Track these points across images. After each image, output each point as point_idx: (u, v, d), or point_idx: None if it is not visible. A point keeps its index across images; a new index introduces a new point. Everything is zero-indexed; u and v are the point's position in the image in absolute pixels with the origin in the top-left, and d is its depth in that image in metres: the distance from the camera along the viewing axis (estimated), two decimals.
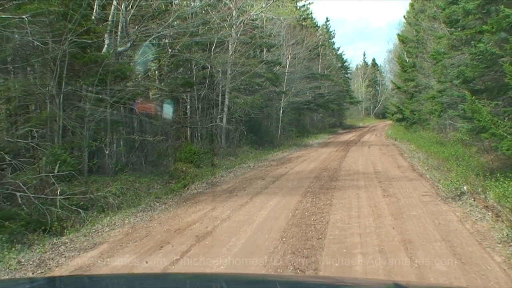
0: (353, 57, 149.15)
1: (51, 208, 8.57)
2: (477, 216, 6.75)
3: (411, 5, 32.32)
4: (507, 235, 5.60)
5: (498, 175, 8.01)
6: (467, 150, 13.95)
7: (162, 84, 16.88)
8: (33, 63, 11.96)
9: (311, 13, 36.31)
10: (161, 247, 5.97)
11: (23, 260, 5.76)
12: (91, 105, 11.85)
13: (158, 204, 9.19)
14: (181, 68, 18.85)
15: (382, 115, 56.56)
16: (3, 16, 8.60)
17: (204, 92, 19.59)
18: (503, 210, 6.51)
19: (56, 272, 5.29)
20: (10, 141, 9.70)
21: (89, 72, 12.42)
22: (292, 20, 26.51)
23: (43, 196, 8.94)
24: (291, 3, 25.87)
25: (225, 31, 20.17)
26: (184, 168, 14.65)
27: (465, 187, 8.23)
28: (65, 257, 5.90)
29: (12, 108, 10.29)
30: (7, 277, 5.23)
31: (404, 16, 35.79)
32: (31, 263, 5.67)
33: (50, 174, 9.44)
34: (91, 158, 11.66)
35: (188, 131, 19.41)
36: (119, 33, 13.26)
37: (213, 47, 19.65)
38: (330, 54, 44.86)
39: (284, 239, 5.97)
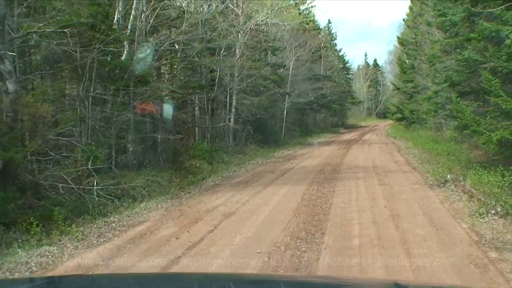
0: (355, 57, 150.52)
1: (90, 196, 10.03)
2: (455, 198, 8.25)
3: (410, 8, 33.79)
4: (476, 210, 7.09)
5: (477, 166, 9.48)
6: (459, 147, 15.38)
7: (174, 86, 18.36)
8: (63, 69, 13.42)
9: (314, 16, 37.70)
10: (196, 222, 7.46)
11: (85, 232, 7.25)
12: (117, 107, 13.34)
13: (182, 193, 10.68)
14: (190, 71, 20.33)
15: (383, 115, 57.97)
16: (37, 27, 10.10)
17: (213, 94, 21.06)
18: (476, 193, 8.01)
19: (116, 241, 6.77)
20: (53, 138, 11.20)
21: (114, 77, 13.93)
22: (295, 24, 27.94)
23: (81, 187, 10.40)
24: (294, 9, 27.29)
25: (232, 36, 21.61)
26: (198, 165, 16.13)
27: (448, 176, 9.75)
28: (118, 231, 7.38)
29: (53, 109, 11.79)
30: (77, 245, 6.70)
31: (403, 19, 37.27)
32: (92, 234, 7.16)
33: (86, 168, 10.91)
34: (118, 155, 13.15)
35: (197, 131, 20.85)
36: (134, 40, 14.75)
37: (222, 52, 21.07)
38: (332, 55, 46.34)
39: (296, 215, 7.48)
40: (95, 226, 7.67)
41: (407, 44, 30.79)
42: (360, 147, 22.37)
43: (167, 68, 19.31)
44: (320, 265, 5.06)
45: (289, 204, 8.42)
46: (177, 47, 18.56)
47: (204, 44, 18.65)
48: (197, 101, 21.12)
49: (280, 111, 29.82)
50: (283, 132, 29.62)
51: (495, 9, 9.45)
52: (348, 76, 52.77)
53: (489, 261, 4.99)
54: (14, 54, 10.27)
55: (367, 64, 69.05)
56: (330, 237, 6.21)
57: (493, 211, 6.80)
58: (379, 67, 68.62)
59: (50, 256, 5.98)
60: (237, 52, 22.55)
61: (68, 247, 6.44)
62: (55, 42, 11.56)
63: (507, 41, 9.12)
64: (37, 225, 7.13)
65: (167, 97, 18.21)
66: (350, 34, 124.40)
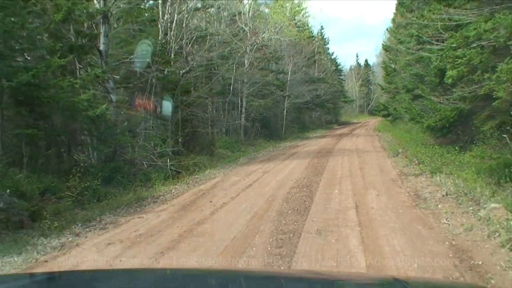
0: (347, 57, 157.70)
1: (165, 169, 16.04)
2: (399, 160, 14.46)
3: (393, 20, 39.89)
4: (405, 164, 13.28)
5: (417, 144, 15.67)
6: (422, 135, 21.54)
7: (201, 92, 24.42)
8: (134, 83, 19.43)
9: (308, 24, 43.74)
10: (249, 175, 13.54)
11: (188, 182, 13.26)
12: (172, 110, 19.40)
13: (227, 166, 16.72)
14: (211, 80, 26.41)
15: (374, 112, 64.24)
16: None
17: (229, 97, 27.23)
18: (410, 157, 14.20)
19: (209, 184, 12.77)
20: (138, 130, 17.25)
21: (166, 87, 20.02)
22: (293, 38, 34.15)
23: (159, 163, 16.42)
24: (294, 28, 33.47)
25: (242, 50, 27.74)
26: (224, 152, 22.21)
27: (400, 150, 15.98)
28: (200, 184, 13.31)
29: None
30: (188, 186, 12.67)
31: (387, 29, 43.40)
32: (192, 183, 13.15)
33: (159, 151, 16.92)
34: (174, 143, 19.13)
35: (210, 128, 26.90)
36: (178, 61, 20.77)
37: (234, 63, 27.17)
38: (325, 58, 52.59)
39: (305, 171, 13.60)
40: (189, 179, 13.67)
41: (390, 50, 36.87)
42: (349, 139, 28.62)
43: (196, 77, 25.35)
44: (321, 184, 11.16)
45: (301, 167, 14.58)
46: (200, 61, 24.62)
47: (223, 61, 24.86)
48: (211, 103, 27.22)
49: (281, 110, 35.93)
50: (284, 128, 35.72)
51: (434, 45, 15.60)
52: (340, 77, 59.15)
53: (400, 181, 11.13)
54: (117, 77, 16.41)
55: (358, 64, 75.73)
56: (326, 175, 12.39)
57: (413, 163, 12.99)
58: (370, 67, 75.10)
59: (179, 189, 12.00)
60: (246, 63, 28.74)
61: (186, 185, 12.55)
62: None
63: (434, 63, 15.29)
64: (143, 183, 13.06)
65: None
66: (344, 32, 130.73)
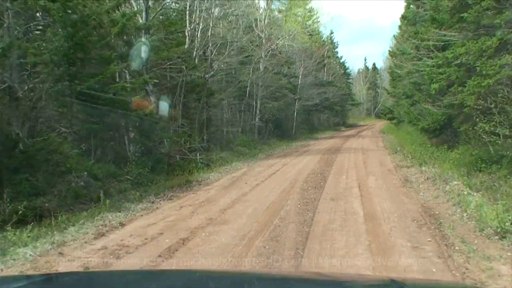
0: (355, 60, 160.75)
1: (196, 162, 19.02)
2: (397, 157, 17.41)
3: (400, 27, 42.79)
4: (401, 159, 16.25)
5: (414, 143, 18.59)
6: (419, 136, 24.46)
7: (222, 95, 27.41)
8: (164, 86, 22.36)
9: (319, 31, 46.70)
10: (270, 167, 16.52)
11: (220, 172, 16.23)
12: (199, 110, 22.37)
13: (248, 160, 19.68)
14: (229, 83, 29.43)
15: (381, 115, 67.17)
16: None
17: (246, 99, 30.24)
18: (407, 154, 17.16)
19: (238, 172, 15.73)
20: (175, 129, 20.26)
21: (193, 90, 23.03)
22: (305, 44, 37.15)
23: (190, 156, 19.41)
24: (305, 35, 36.47)
25: (258, 56, 30.73)
26: (242, 149, 25.19)
27: (398, 148, 18.94)
28: (231, 172, 16.28)
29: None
30: (221, 174, 15.65)
31: (394, 35, 46.24)
32: (224, 172, 16.11)
33: (190, 146, 19.89)
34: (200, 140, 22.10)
35: (229, 127, 29.86)
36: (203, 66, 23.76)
37: (251, 68, 30.16)
38: (334, 62, 55.53)
39: (318, 164, 16.57)
40: (220, 170, 16.65)
41: (395, 56, 39.76)
42: (356, 139, 31.61)
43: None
44: (331, 172, 14.12)
45: (314, 161, 17.57)
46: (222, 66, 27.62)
47: (241, 66, 27.90)
48: (226, 105, 30.23)
49: (291, 112, 38.86)
50: (294, 129, 38.66)
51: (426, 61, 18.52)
52: (348, 81, 62.10)
53: (395, 170, 14.09)
54: (157, 81, 19.42)
55: (366, 68, 78.72)
56: (335, 166, 15.37)
57: (408, 159, 15.96)
58: (378, 71, 77.99)
59: (215, 176, 14.97)
60: (261, 68, 31.71)
61: (219, 173, 15.52)
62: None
63: (426, 76, 18.19)
64: (181, 171, 16.01)
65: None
66: (353, 34, 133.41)
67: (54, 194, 10.95)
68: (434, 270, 5.20)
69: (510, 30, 10.52)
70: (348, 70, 62.41)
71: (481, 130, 10.48)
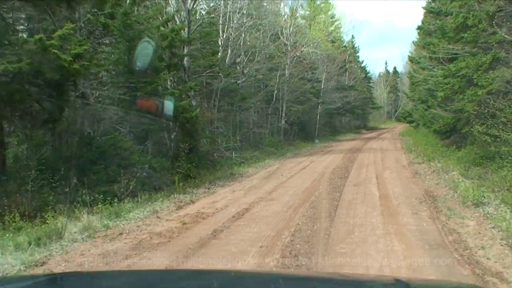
0: (376, 63, 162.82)
1: (232, 159, 21.78)
2: (411, 155, 19.98)
3: (419, 28, 45.11)
4: (415, 157, 18.82)
5: (428, 144, 21.12)
6: (433, 137, 26.93)
7: (253, 99, 30.13)
8: (201, 91, 25.16)
9: (341, 37, 49.26)
10: (300, 163, 19.21)
11: (256, 167, 18.95)
12: (233, 114, 25.16)
13: (279, 158, 22.38)
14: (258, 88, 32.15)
15: (401, 119, 69.42)
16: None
17: (273, 103, 32.96)
18: (420, 153, 19.71)
19: (273, 167, 18.43)
20: (211, 130, 23.05)
21: (227, 95, 25.81)
22: (328, 50, 39.79)
23: (227, 155, 22.19)
24: (328, 42, 39.10)
25: (284, 62, 33.43)
26: (270, 149, 27.90)
27: (413, 148, 21.49)
28: (266, 167, 18.99)
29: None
30: (258, 169, 18.36)
31: (413, 42, 48.57)
32: (259, 167, 18.83)
33: (226, 146, 22.69)
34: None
35: (259, 129, 32.56)
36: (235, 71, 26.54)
37: (278, 73, 32.87)
38: (355, 66, 57.96)
39: (341, 161, 19.21)
40: (256, 165, 19.36)
41: (414, 61, 42.15)
42: (376, 141, 34.14)
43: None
44: (353, 167, 16.76)
45: (338, 158, 20.22)
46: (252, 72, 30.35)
47: (269, 72, 30.63)
48: (257, 108, 32.98)
49: (314, 115, 41.49)
50: (317, 131, 41.27)
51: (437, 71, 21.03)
52: (369, 85, 64.48)
53: (408, 166, 16.69)
54: (196, 88, 22.17)
55: (387, 71, 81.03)
56: (357, 163, 18.01)
57: (420, 157, 18.52)
58: (399, 74, 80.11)
59: (253, 170, 17.69)
60: (286, 73, 34.41)
61: (256, 168, 18.24)
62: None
63: (434, 80, 20.69)
64: (221, 167, 18.75)
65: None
66: (374, 36, 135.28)
67: (124, 182, 13.77)
68: (424, 224, 7.83)
69: (501, 49, 13.06)
70: (369, 74, 64.85)
71: (475, 131, 13.01)
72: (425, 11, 27.79)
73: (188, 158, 17.95)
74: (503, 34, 12.89)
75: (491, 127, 12.49)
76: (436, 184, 11.95)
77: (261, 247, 6.66)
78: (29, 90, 11.47)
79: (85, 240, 7.52)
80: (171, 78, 20.29)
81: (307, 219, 8.42)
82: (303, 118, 36.69)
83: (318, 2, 41.33)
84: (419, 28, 27.69)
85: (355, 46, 60.13)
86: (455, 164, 14.35)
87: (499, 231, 6.98)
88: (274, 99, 33.03)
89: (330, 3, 43.06)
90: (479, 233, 7.07)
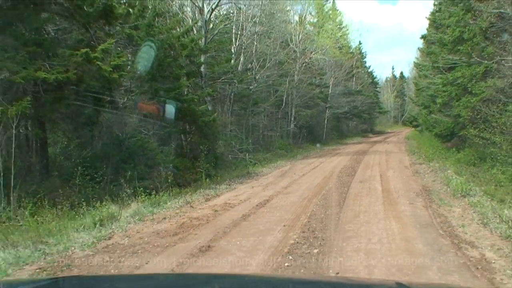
0: (383, 68, 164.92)
1: (246, 160, 23.45)
2: (413, 157, 21.62)
3: (423, 36, 46.76)
4: (417, 159, 20.45)
5: (428, 147, 22.73)
6: (436, 141, 28.52)
7: (264, 103, 31.82)
8: (215, 98, 26.86)
9: (348, 44, 50.94)
10: (310, 164, 20.86)
11: (270, 167, 20.60)
12: (246, 118, 26.85)
13: (290, 160, 24.03)
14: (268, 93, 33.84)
15: (407, 123, 70.97)
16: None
17: (282, 107, 34.65)
18: (422, 155, 21.33)
19: (285, 167, 20.08)
20: (225, 133, 24.72)
21: (240, 100, 27.52)
22: (336, 57, 41.49)
23: (241, 156, 23.85)
24: (336, 49, 40.79)
25: (293, 68, 35.11)
26: (280, 152, 29.56)
27: (416, 151, 23.11)
28: (279, 168, 20.61)
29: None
30: (272, 169, 20.02)
31: (418, 48, 50.18)
32: (272, 168, 20.49)
33: (239, 147, 24.36)
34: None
35: (270, 132, 34.23)
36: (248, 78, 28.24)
37: (288, 79, 34.55)
38: (362, 72, 59.61)
39: (348, 162, 20.85)
40: (269, 166, 21.00)
41: (419, 69, 43.72)
42: (382, 145, 35.77)
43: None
44: (360, 167, 18.40)
45: (345, 159, 21.87)
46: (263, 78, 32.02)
47: (279, 78, 32.33)
48: (267, 112, 34.66)
49: (322, 119, 43.16)
50: (324, 135, 42.93)
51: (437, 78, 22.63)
52: (376, 90, 66.13)
53: (410, 166, 18.31)
54: (213, 94, 23.85)
55: (394, 76, 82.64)
56: (363, 164, 19.65)
57: (421, 158, 20.14)
58: (405, 79, 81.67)
59: (267, 170, 19.35)
60: (296, 79, 36.10)
61: (269, 168, 19.91)
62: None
63: (439, 86, 22.31)
64: (235, 167, 20.41)
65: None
66: (381, 40, 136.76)
67: (152, 179, 15.45)
68: (418, 211, 9.46)
69: (492, 61, 14.68)
70: (375, 79, 66.49)
71: (469, 134, 14.64)
72: (429, 21, 29.52)
73: (207, 158, 19.59)
74: (494, 48, 14.53)
75: (483, 131, 14.11)
76: (433, 181, 13.59)
77: (284, 225, 8.32)
78: (71, 97, 13.14)
79: (137, 222, 9.21)
80: (189, 85, 21.90)
81: (320, 207, 10.08)
82: (311, 122, 38.39)
83: (326, 10, 43.09)
84: (423, 37, 29.33)
85: (362, 51, 61.79)
86: (451, 164, 15.98)
87: (478, 214, 8.62)
88: (283, 104, 34.67)
89: (338, 11, 44.88)
90: (462, 216, 8.72)
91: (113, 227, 8.69)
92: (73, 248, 7.26)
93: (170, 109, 16.75)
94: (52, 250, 7.09)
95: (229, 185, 14.95)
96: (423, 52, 41.03)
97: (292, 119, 36.20)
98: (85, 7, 13.05)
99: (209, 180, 15.74)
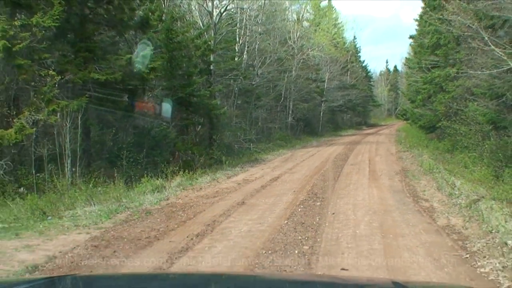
0: (377, 62, 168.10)
1: (250, 150, 26.67)
2: (400, 146, 24.92)
3: (411, 36, 49.98)
4: (402, 148, 23.75)
5: (414, 137, 26.02)
6: (422, 133, 31.80)
7: (266, 97, 34.98)
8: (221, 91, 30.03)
9: (343, 40, 54.15)
10: (308, 152, 24.10)
11: (273, 154, 23.82)
12: (249, 110, 30.03)
13: (290, 149, 27.23)
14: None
15: (399, 116, 74.34)
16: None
17: (281, 101, 37.88)
18: (408, 145, 24.63)
19: (287, 155, 23.29)
20: (231, 125, 27.91)
21: (244, 95, 30.69)
22: (332, 53, 44.74)
23: (246, 146, 27.09)
24: (332, 46, 44.02)
25: (291, 64, 38.28)
26: (280, 143, 32.80)
27: (403, 141, 26.41)
28: (281, 155, 23.82)
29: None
30: (274, 156, 23.23)
31: (410, 44, 53.45)
32: (271, 156, 23.71)
33: (243, 138, 27.59)
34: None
35: (271, 124, 37.44)
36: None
37: (286, 74, 37.73)
38: (357, 66, 62.83)
39: (342, 150, 24.12)
40: (272, 154, 24.20)
41: (408, 65, 46.95)
42: (374, 136, 39.16)
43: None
44: (352, 154, 21.66)
45: (339, 149, 25.15)
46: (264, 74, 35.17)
47: (278, 74, 35.51)
48: (266, 106, 37.85)
49: (318, 112, 46.39)
50: (320, 127, 46.18)
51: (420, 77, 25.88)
52: (370, 83, 69.47)
53: (395, 153, 21.59)
54: (223, 90, 26.97)
55: (388, 70, 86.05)
56: (355, 152, 22.96)
57: (406, 147, 23.44)
58: (399, 73, 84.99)
59: (271, 157, 22.57)
60: (293, 74, 39.28)
61: (273, 156, 23.13)
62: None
63: (419, 84, 25.60)
64: (243, 155, 23.61)
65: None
66: (377, 33, 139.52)
67: (174, 164, 18.56)
68: (394, 183, 12.71)
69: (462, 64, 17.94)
70: (370, 73, 69.83)
71: (442, 125, 17.91)
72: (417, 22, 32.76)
73: (219, 147, 22.73)
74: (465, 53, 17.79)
75: (454, 123, 17.40)
76: (411, 164, 16.91)
77: (294, 191, 11.58)
78: (114, 94, 16.23)
79: (181, 191, 12.44)
80: (201, 82, 24.88)
81: (319, 181, 13.36)
82: (308, 115, 41.69)
83: (321, 7, 46.29)
84: (411, 37, 32.56)
85: (357, 46, 65.04)
86: (429, 151, 19.27)
87: (436, 183, 11.93)
88: (282, 98, 37.85)
89: (333, 8, 48.18)
90: (425, 185, 12.02)
91: (165, 193, 11.89)
92: (145, 204, 10.46)
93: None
94: (131, 205, 10.29)
95: (242, 167, 18.16)
96: (414, 48, 44.34)
97: (290, 112, 39.35)
98: (125, 19, 16.15)
99: (225, 165, 18.91)
